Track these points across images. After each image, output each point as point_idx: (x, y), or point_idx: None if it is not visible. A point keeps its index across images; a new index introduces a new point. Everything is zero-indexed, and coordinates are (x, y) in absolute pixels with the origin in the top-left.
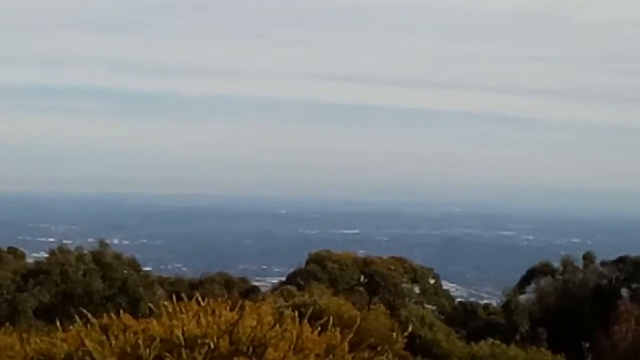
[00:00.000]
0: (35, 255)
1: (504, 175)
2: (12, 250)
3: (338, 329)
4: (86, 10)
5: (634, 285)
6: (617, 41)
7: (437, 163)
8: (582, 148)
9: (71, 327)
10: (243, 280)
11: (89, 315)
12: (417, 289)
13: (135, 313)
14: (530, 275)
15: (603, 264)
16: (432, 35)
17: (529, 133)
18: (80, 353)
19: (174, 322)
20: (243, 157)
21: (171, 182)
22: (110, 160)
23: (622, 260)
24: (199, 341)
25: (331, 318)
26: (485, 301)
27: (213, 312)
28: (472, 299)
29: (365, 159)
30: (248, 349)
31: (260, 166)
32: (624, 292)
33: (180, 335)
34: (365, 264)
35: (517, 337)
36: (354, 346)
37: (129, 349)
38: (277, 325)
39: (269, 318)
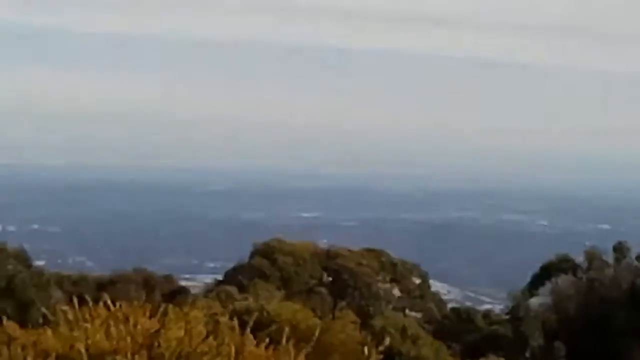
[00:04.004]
0: None
1: (509, 139)
2: None
3: (292, 343)
4: None
5: None
6: None
7: (419, 122)
8: (611, 103)
9: None
10: (166, 278)
11: None
12: (396, 291)
13: (24, 321)
14: (545, 273)
15: None
16: None
17: (538, 81)
18: None
19: (76, 333)
20: (161, 114)
21: (65, 147)
22: None
23: None
24: (108, 357)
25: (283, 328)
26: (486, 306)
27: (127, 319)
28: (468, 304)
29: (324, 117)
30: None
31: (184, 126)
32: None
33: (84, 350)
34: (328, 258)
35: (527, 354)
36: None
37: None
38: (211, 337)
39: (201, 328)
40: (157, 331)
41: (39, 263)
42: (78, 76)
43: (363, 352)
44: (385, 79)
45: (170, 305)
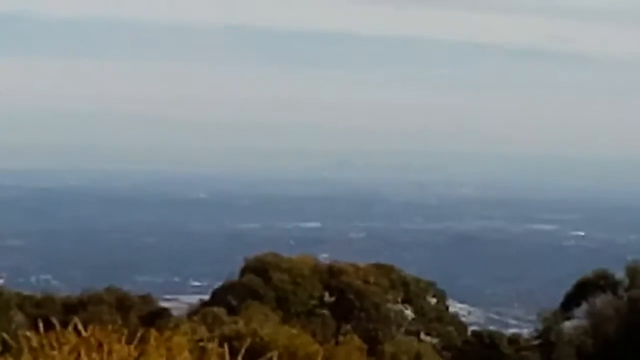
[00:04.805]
0: None
1: (537, 137)
2: None
3: None
4: None
5: None
6: None
7: (435, 119)
8: None
9: None
10: (144, 299)
11: None
12: (409, 312)
13: None
14: (581, 292)
15: None
16: None
17: (573, 72)
18: None
19: None
20: (136, 113)
21: (27, 149)
22: None
23: None
24: None
25: (279, 356)
26: (513, 330)
27: (100, 346)
28: (492, 327)
29: (324, 114)
30: None
31: (164, 127)
32: None
33: None
34: (331, 275)
35: None
36: None
37: None
38: None
39: (185, 355)
40: (136, 359)
41: None
42: (37, 69)
43: None
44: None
45: (150, 330)
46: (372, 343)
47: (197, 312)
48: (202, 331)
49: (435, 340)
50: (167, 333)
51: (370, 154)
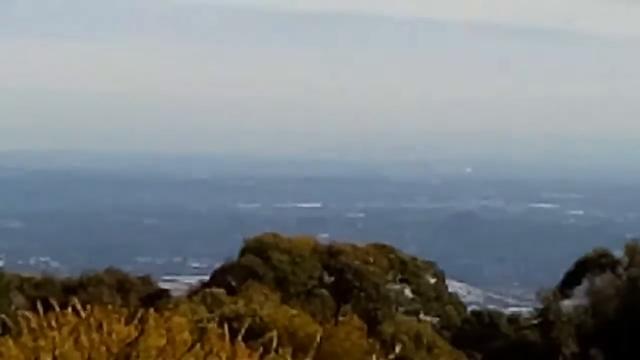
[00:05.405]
0: None
1: (537, 117)
2: None
3: (289, 352)
4: None
5: None
6: None
7: (436, 100)
8: None
9: None
10: (144, 280)
11: None
12: (408, 292)
13: None
14: (580, 271)
15: None
16: None
17: (573, 51)
18: None
19: (41, 342)
20: (139, 94)
21: (26, 131)
22: None
23: None
24: None
25: (279, 336)
26: (512, 309)
27: (100, 326)
28: (492, 307)
29: (326, 95)
30: None
31: (166, 107)
32: None
33: None
34: (330, 255)
35: None
36: None
37: None
38: (197, 347)
39: (185, 336)
40: (135, 340)
41: None
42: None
43: None
44: (393, 48)
45: (150, 311)
46: (372, 323)
47: (197, 293)
48: (202, 312)
49: (434, 320)
50: (167, 313)
51: (372, 134)
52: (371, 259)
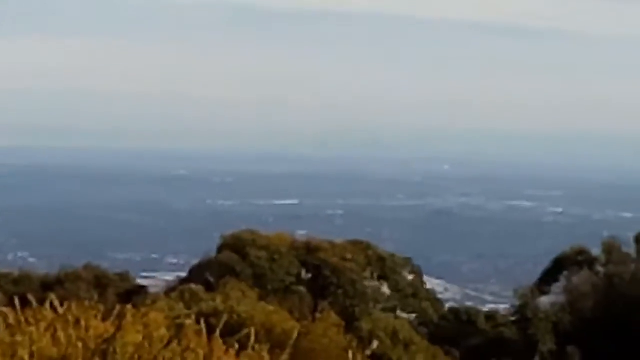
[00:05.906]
0: None
1: (517, 115)
2: None
3: (266, 348)
4: None
5: None
6: None
7: (414, 97)
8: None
9: None
10: (122, 276)
11: None
12: (386, 289)
13: None
14: (558, 268)
15: None
16: None
17: (554, 50)
18: None
19: (18, 338)
20: (118, 91)
21: (3, 127)
22: None
23: None
24: None
25: (256, 333)
26: (490, 306)
27: (77, 323)
28: (469, 303)
29: (304, 92)
30: None
31: (145, 104)
32: None
33: (27, 357)
34: (308, 252)
35: None
36: None
37: None
38: (174, 343)
39: (162, 332)
40: (112, 336)
41: None
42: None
43: (348, 358)
44: (375, 45)
45: (127, 307)
46: (349, 319)
47: (174, 289)
48: (180, 308)
49: (411, 317)
50: (144, 310)
51: (350, 131)
52: (349, 256)
